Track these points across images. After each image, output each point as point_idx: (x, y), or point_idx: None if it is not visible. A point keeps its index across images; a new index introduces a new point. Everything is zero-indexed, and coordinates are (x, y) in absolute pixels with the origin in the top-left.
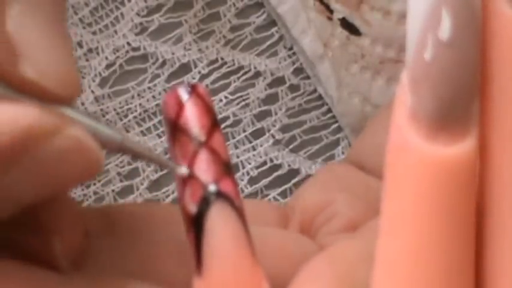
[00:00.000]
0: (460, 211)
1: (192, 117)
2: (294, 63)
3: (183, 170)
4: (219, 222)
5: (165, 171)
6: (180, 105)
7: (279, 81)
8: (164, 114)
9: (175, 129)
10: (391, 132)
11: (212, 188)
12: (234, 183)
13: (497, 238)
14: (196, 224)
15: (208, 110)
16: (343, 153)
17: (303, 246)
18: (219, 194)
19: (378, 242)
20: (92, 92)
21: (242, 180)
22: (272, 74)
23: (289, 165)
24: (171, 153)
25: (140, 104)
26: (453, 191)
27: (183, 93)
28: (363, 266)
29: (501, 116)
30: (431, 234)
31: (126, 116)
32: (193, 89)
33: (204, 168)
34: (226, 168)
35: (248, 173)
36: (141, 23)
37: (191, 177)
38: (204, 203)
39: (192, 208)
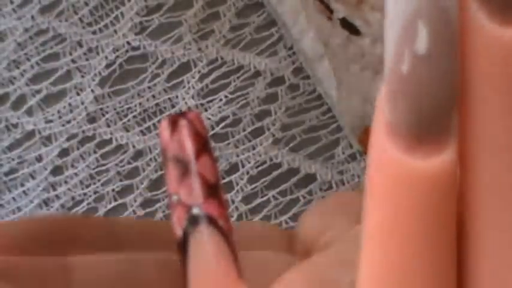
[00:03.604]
0: (440, 221)
1: (179, 144)
2: (293, 62)
3: None
4: (203, 243)
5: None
6: (171, 133)
7: (278, 80)
8: (160, 143)
9: (166, 156)
10: (370, 145)
11: (195, 210)
12: (220, 204)
13: (478, 247)
14: (182, 247)
15: (196, 135)
16: (343, 153)
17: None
18: (203, 216)
19: (360, 254)
20: (92, 91)
21: (242, 179)
22: (272, 74)
23: (288, 165)
24: (166, 180)
25: (140, 104)
26: (433, 202)
27: (174, 121)
28: (333, 271)
29: (480, 126)
30: (412, 246)
31: (125, 115)
32: (183, 116)
33: (188, 192)
34: (213, 191)
35: (248, 172)
36: (140, 23)
37: (178, 202)
38: (188, 226)
39: (179, 232)
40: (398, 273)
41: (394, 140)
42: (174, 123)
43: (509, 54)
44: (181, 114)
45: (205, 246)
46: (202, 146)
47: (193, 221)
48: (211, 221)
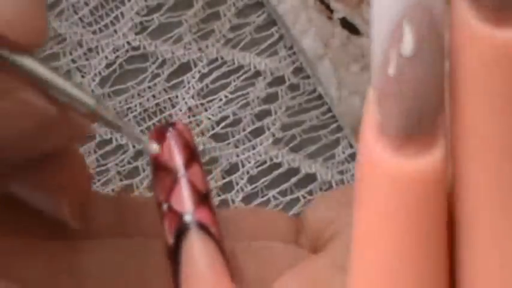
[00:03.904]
0: (430, 220)
1: (170, 154)
2: (293, 62)
3: (155, 147)
4: (195, 250)
5: None
6: (160, 143)
7: (278, 80)
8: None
9: (156, 166)
10: (360, 147)
11: (187, 218)
12: (210, 211)
13: (471, 246)
14: (174, 254)
15: (186, 145)
16: (343, 152)
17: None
18: (194, 223)
19: (351, 254)
20: (92, 91)
21: (242, 179)
22: (272, 74)
23: (288, 164)
24: (154, 190)
25: (140, 104)
26: (423, 201)
27: (163, 132)
28: (327, 274)
29: (472, 126)
30: (402, 245)
31: (126, 115)
32: (172, 127)
33: (180, 200)
34: (203, 198)
35: (248, 172)
36: (141, 22)
37: (169, 210)
38: (180, 233)
39: (170, 239)
40: (389, 273)
41: (384, 140)
42: (163, 133)
43: (500, 54)
44: (170, 124)
45: (197, 252)
46: (191, 155)
47: (185, 228)
48: (203, 227)
